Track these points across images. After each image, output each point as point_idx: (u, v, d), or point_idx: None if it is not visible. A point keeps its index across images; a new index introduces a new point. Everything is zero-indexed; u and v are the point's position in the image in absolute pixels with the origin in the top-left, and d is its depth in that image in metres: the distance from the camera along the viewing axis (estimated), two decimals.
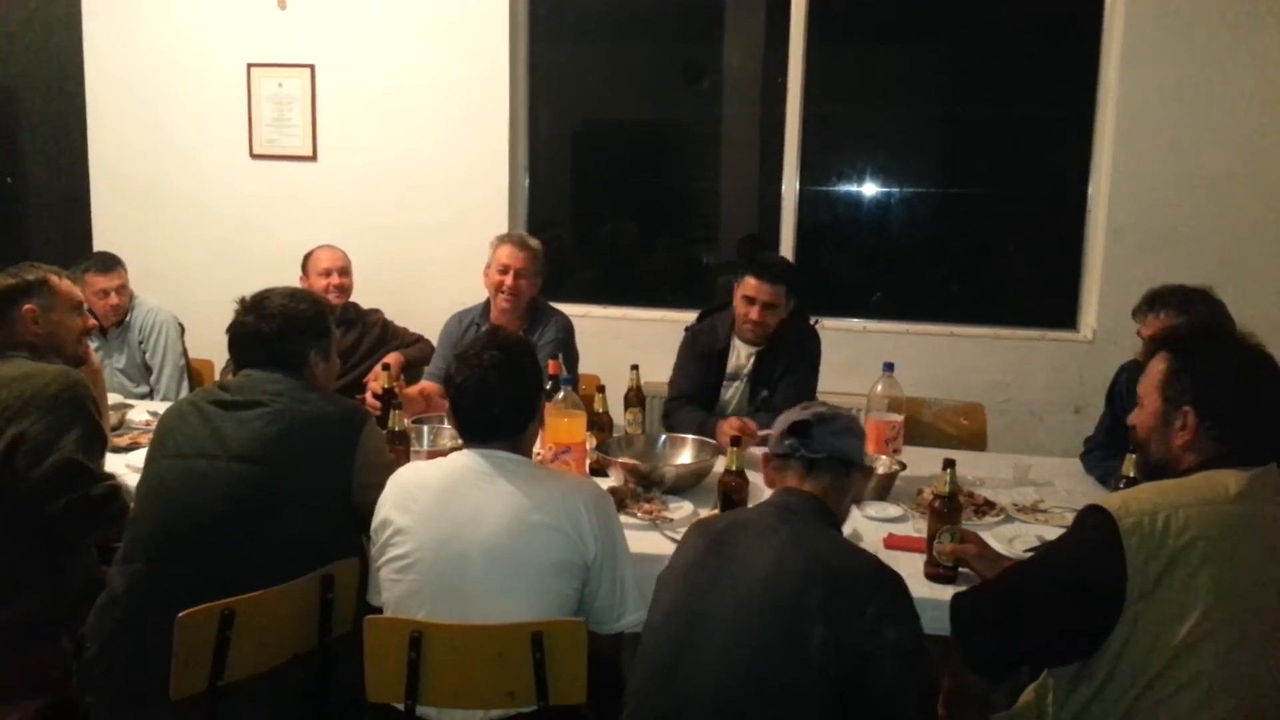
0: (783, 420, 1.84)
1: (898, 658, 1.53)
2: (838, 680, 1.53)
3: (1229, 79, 3.70)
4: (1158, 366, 1.71)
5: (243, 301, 2.23)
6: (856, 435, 1.82)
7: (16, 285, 2.41)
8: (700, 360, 3.25)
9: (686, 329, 3.37)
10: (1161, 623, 1.51)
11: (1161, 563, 1.51)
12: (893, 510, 2.49)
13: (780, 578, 1.59)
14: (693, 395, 3.21)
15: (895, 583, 1.61)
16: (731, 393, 3.25)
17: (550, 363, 2.79)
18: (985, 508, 2.50)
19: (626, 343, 3.97)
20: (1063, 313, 4.09)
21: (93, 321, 2.73)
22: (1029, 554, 2.02)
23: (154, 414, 3.02)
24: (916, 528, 2.38)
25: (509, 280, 3.29)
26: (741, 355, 3.24)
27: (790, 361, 3.15)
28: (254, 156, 4.43)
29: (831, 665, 1.53)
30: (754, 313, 3.09)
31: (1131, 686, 1.53)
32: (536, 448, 2.43)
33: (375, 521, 1.96)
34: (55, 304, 2.46)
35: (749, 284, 3.10)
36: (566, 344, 3.35)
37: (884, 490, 2.61)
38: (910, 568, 2.02)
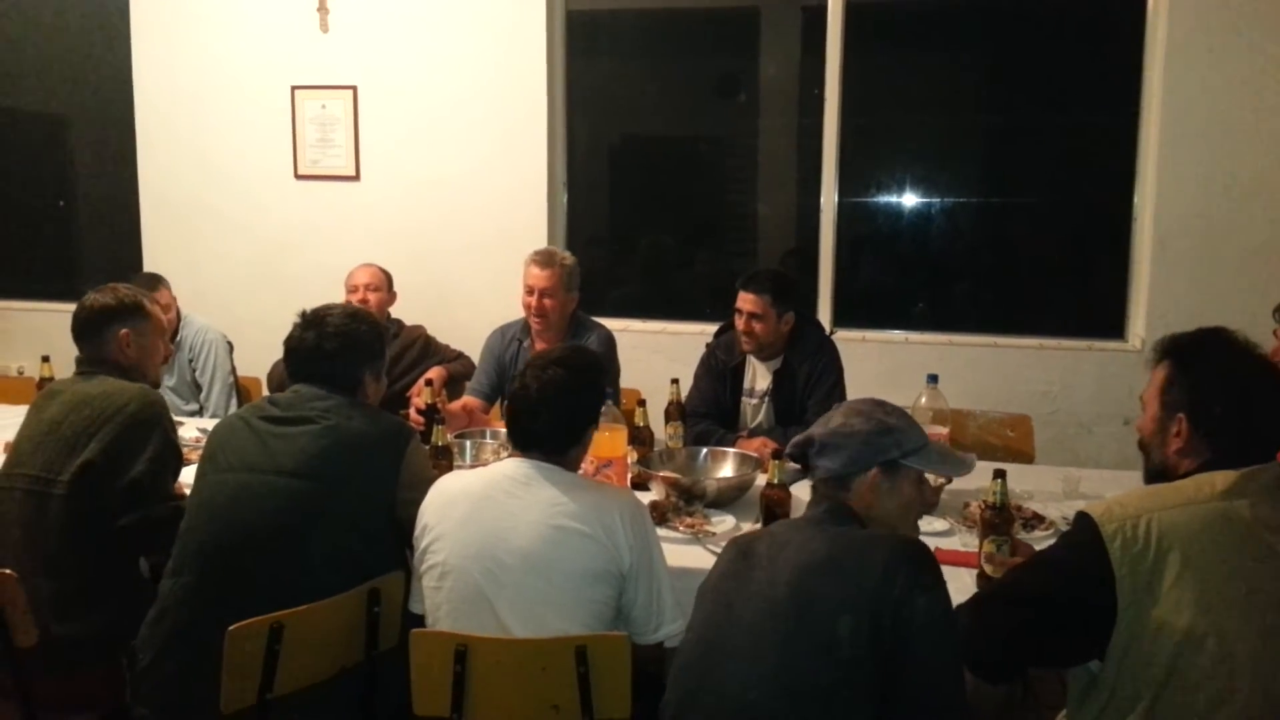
0: (787, 448, 1.83)
1: (931, 626, 1.52)
2: (871, 671, 1.51)
3: (1274, 84, 3.63)
4: (1159, 373, 1.72)
5: (303, 315, 2.25)
6: (837, 447, 1.71)
7: (115, 308, 2.43)
8: (715, 377, 3.26)
9: (706, 345, 3.38)
10: (1157, 626, 1.50)
11: (1148, 565, 1.51)
12: (939, 524, 2.46)
13: (803, 576, 1.58)
14: (707, 412, 3.21)
15: (922, 552, 1.59)
16: (754, 410, 3.24)
17: None
18: (1034, 521, 2.46)
19: (667, 356, 3.97)
20: (1110, 322, 4.02)
21: (170, 348, 2.77)
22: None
23: (203, 431, 3.07)
24: (964, 542, 2.35)
25: (534, 301, 3.30)
26: (759, 372, 3.23)
27: (811, 376, 3.14)
28: (299, 177, 4.51)
29: (864, 656, 1.51)
30: (741, 323, 3.12)
31: (1142, 693, 1.51)
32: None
33: (416, 529, 1.98)
34: (148, 329, 2.48)
35: (738, 296, 3.14)
36: (608, 357, 3.35)
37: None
38: (958, 583, 1.99)
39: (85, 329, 2.42)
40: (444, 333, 3.96)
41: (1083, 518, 1.61)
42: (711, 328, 3.45)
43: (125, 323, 2.43)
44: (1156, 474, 1.72)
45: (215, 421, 2.60)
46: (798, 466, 1.82)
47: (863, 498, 1.72)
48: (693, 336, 4.12)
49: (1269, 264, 3.66)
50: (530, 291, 3.31)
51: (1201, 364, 1.68)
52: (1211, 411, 1.64)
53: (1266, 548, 1.53)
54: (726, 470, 2.80)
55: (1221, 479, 1.58)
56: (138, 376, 2.43)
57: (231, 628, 1.84)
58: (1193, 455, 1.65)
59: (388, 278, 3.84)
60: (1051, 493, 2.70)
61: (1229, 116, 3.69)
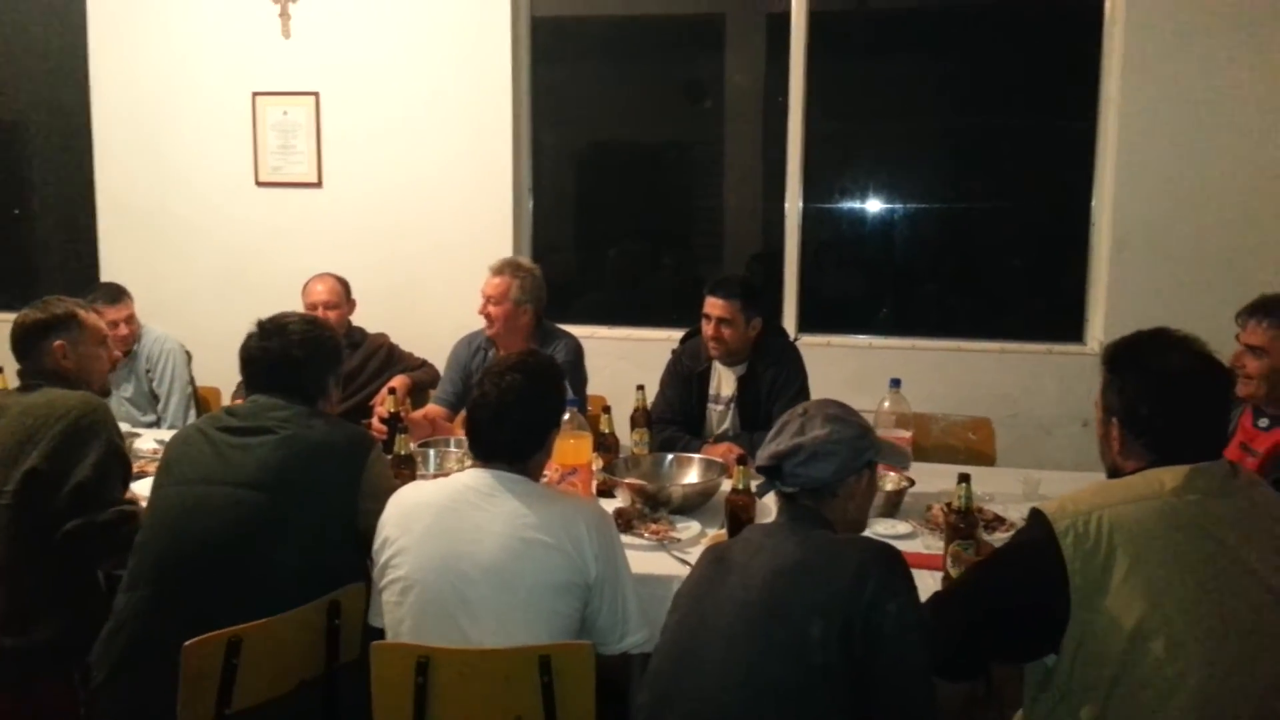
0: (759, 456, 1.81)
1: (902, 630, 1.53)
2: (843, 674, 1.52)
3: (1229, 86, 3.70)
4: (1100, 379, 1.76)
5: (261, 325, 2.24)
6: (829, 454, 1.72)
7: (47, 320, 2.45)
8: (681, 383, 3.27)
9: (672, 351, 3.38)
10: (1110, 620, 1.52)
11: (1099, 561, 1.54)
12: (902, 527, 2.48)
13: (776, 580, 1.60)
14: (673, 419, 3.22)
15: (892, 556, 1.61)
16: (720, 416, 3.25)
17: None
18: (995, 523, 2.49)
19: (633, 363, 3.96)
20: (1069, 326, 4.07)
21: (117, 354, 2.76)
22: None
23: (161, 442, 3.03)
24: (926, 545, 2.37)
25: (488, 309, 3.31)
26: (725, 378, 3.24)
27: (776, 381, 3.15)
28: (260, 184, 4.46)
29: (836, 659, 1.52)
30: (710, 328, 3.13)
31: (1096, 685, 1.54)
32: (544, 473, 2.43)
33: (376, 542, 1.96)
34: (84, 338, 2.50)
35: (706, 301, 3.15)
36: (575, 366, 3.35)
37: (893, 507, 2.60)
38: (921, 585, 1.99)
39: (21, 344, 2.45)
40: (408, 341, 3.92)
41: (1036, 515, 1.64)
42: (677, 334, 3.46)
43: (59, 334, 2.45)
44: (1111, 476, 1.75)
45: (173, 433, 2.57)
46: (763, 478, 1.82)
47: (844, 502, 1.75)
48: (658, 343, 4.12)
49: (1226, 267, 3.72)
50: (485, 299, 3.32)
51: (1129, 367, 1.71)
52: (1139, 413, 1.67)
53: (1215, 543, 1.57)
54: (692, 476, 2.80)
55: (1171, 476, 1.61)
56: (82, 385, 2.43)
57: (188, 642, 1.82)
58: (1134, 457, 1.68)
59: (346, 289, 3.78)
60: (1012, 494, 2.73)
61: (1185, 122, 3.75)
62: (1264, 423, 2.48)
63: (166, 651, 1.84)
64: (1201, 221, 3.77)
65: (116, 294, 3.71)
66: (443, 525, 1.88)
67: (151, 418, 3.82)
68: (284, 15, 4.31)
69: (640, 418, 3.04)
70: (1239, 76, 3.69)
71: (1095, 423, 1.78)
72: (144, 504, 2.20)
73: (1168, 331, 1.74)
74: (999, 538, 2.39)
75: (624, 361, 4.00)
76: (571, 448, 2.52)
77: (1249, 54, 3.68)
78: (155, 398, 3.83)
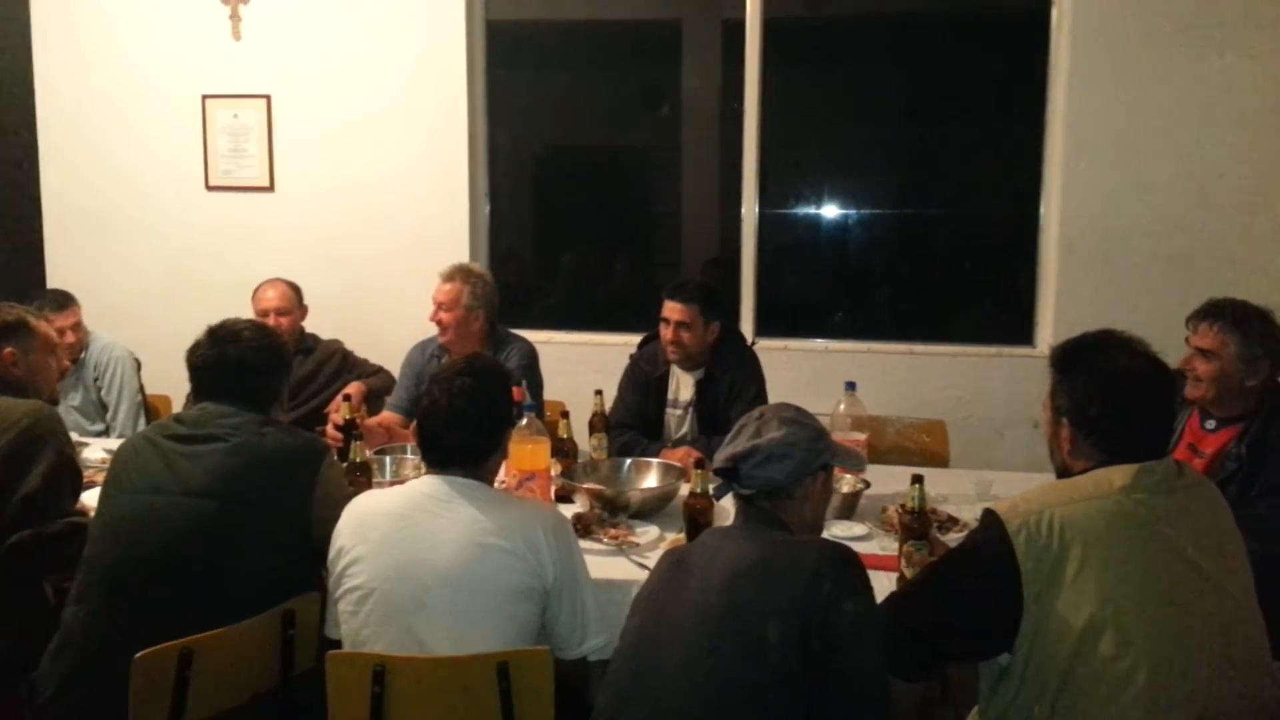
0: (715, 458, 1.83)
1: (858, 629, 1.56)
2: (800, 673, 1.54)
3: (1172, 94, 3.79)
4: (1050, 381, 1.79)
5: (211, 332, 2.21)
6: (785, 456, 1.74)
7: None
8: (639, 388, 3.28)
9: (630, 356, 3.38)
10: (1061, 617, 1.56)
11: (1051, 559, 1.57)
12: (858, 529, 2.50)
13: (734, 581, 1.61)
14: (632, 424, 3.22)
15: (848, 557, 1.63)
16: (678, 420, 3.25)
17: (514, 390, 2.78)
18: (949, 523, 2.52)
19: (591, 368, 3.96)
20: (1020, 329, 4.15)
21: (67, 364, 2.71)
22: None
23: (109, 452, 2.97)
24: (882, 546, 2.40)
25: (439, 315, 3.30)
26: (684, 382, 3.25)
27: (733, 385, 3.16)
28: (210, 189, 4.39)
29: (793, 659, 1.53)
30: (669, 332, 3.13)
31: (1048, 682, 1.57)
32: (500, 476, 2.42)
33: (331, 552, 1.94)
34: (34, 346, 2.46)
35: (664, 305, 3.16)
36: (530, 370, 3.34)
37: (849, 509, 2.63)
38: (877, 586, 2.02)
39: None
40: (363, 347, 3.89)
41: (988, 515, 1.66)
42: (635, 339, 3.47)
43: (9, 341, 2.41)
44: (1061, 476, 1.78)
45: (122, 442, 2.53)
46: (720, 481, 1.83)
47: (800, 504, 1.77)
48: (616, 348, 4.12)
49: (1171, 270, 3.81)
50: (437, 306, 3.31)
51: (1078, 369, 1.75)
52: (1088, 414, 1.70)
53: (1163, 540, 1.60)
54: (650, 481, 2.81)
55: (1119, 475, 1.64)
56: (31, 394, 2.39)
57: (138, 655, 1.78)
58: (1083, 457, 1.72)
59: (297, 294, 3.74)
60: (965, 495, 2.77)
61: (1131, 127, 3.83)
62: (1211, 424, 2.54)
63: (117, 665, 1.80)
64: (1147, 226, 3.86)
65: (63, 300, 3.63)
66: (400, 533, 1.87)
67: (100, 427, 3.74)
68: (234, 17, 4.26)
69: (598, 422, 3.03)
70: (1181, 84, 3.79)
71: (1044, 424, 1.82)
72: (92, 515, 2.16)
73: (1114, 333, 1.78)
74: (953, 538, 2.42)
75: (582, 366, 3.99)
76: (529, 453, 2.51)
77: (1191, 62, 3.77)
78: (104, 406, 3.75)
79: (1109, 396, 1.70)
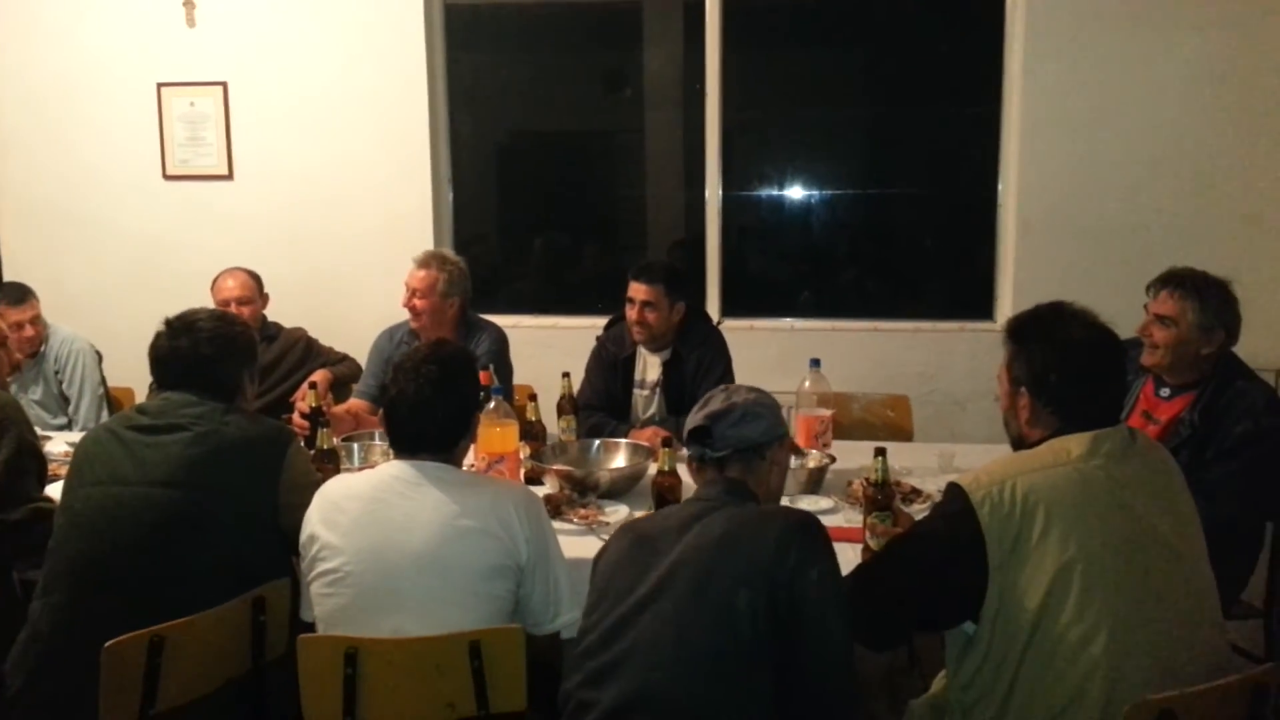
0: (687, 423, 1.87)
1: (823, 597, 1.58)
2: (768, 643, 1.56)
3: (1126, 72, 3.86)
4: (1005, 352, 1.84)
5: (169, 323, 2.19)
6: (758, 415, 1.83)
7: None
8: (606, 369, 3.30)
9: (597, 338, 3.40)
10: (1025, 583, 1.60)
11: (1014, 528, 1.62)
12: (824, 503, 2.54)
13: (701, 554, 1.64)
14: (600, 405, 3.24)
15: (813, 524, 1.66)
16: (645, 401, 3.28)
17: (481, 374, 2.79)
18: (912, 495, 2.57)
19: (559, 351, 3.96)
20: (980, 304, 4.21)
21: (19, 356, 2.68)
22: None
23: (73, 445, 2.94)
24: (847, 518, 2.44)
25: (413, 302, 3.29)
26: (650, 363, 3.27)
27: (700, 364, 3.19)
28: (168, 178, 4.34)
29: (761, 628, 1.56)
30: (634, 312, 3.16)
31: (1012, 647, 1.62)
32: (469, 459, 2.43)
33: (303, 536, 1.94)
34: None
35: (630, 286, 3.18)
36: (501, 356, 3.34)
37: (815, 483, 2.66)
38: (843, 558, 2.05)
39: None
40: (327, 335, 3.86)
41: (953, 488, 1.70)
42: (602, 321, 3.48)
43: None
44: (1017, 445, 1.83)
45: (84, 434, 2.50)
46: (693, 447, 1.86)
47: (769, 467, 1.83)
48: (583, 331, 4.13)
49: (1127, 244, 3.88)
50: (410, 292, 3.29)
51: (1035, 339, 1.79)
52: (1047, 382, 1.74)
53: (1120, 505, 1.65)
54: (619, 461, 2.83)
55: (1076, 444, 1.69)
56: None
57: (108, 644, 1.77)
58: (1041, 425, 1.76)
59: (257, 283, 3.71)
60: (928, 468, 2.82)
61: (1086, 104, 3.89)
62: (1165, 392, 2.59)
63: (86, 656, 1.80)
64: (1102, 203, 3.93)
65: (21, 294, 3.58)
66: (371, 516, 1.87)
67: (62, 420, 3.70)
68: (188, 4, 4.20)
69: (566, 405, 3.05)
70: (1134, 63, 3.85)
71: (1000, 396, 1.86)
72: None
73: (1065, 305, 1.82)
74: (916, 509, 2.47)
75: (549, 350, 4.00)
76: (498, 436, 2.53)
77: (1144, 41, 3.83)
78: (65, 400, 3.71)
79: (1067, 364, 1.74)
